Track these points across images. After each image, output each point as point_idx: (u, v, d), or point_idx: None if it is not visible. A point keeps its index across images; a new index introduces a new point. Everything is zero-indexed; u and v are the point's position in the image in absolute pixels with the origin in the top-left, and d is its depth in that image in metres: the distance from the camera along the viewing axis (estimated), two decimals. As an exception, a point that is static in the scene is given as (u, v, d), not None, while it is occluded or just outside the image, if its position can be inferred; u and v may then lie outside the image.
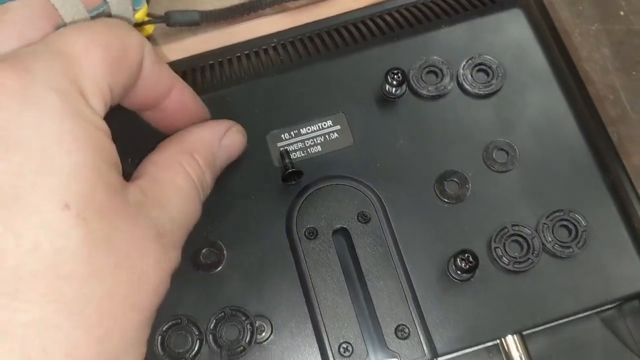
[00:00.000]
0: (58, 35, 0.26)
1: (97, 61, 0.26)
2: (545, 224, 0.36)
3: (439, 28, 0.41)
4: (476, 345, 0.35)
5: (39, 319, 0.22)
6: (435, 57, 0.39)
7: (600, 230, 0.36)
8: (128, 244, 0.25)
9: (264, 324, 0.35)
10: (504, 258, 0.35)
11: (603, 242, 0.36)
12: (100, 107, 0.26)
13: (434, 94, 0.39)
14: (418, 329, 0.34)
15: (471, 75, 0.39)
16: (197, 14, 0.44)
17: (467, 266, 0.34)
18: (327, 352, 0.34)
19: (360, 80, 0.40)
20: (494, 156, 0.37)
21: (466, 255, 0.34)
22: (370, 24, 0.42)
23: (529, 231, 0.36)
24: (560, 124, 0.39)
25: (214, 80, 0.41)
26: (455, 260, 0.34)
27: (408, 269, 0.36)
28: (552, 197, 0.37)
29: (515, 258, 0.35)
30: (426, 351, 0.34)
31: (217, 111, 0.37)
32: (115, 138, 0.27)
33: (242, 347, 0.34)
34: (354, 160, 0.38)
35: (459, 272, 0.34)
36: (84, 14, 0.30)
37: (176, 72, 0.33)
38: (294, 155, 0.38)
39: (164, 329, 0.34)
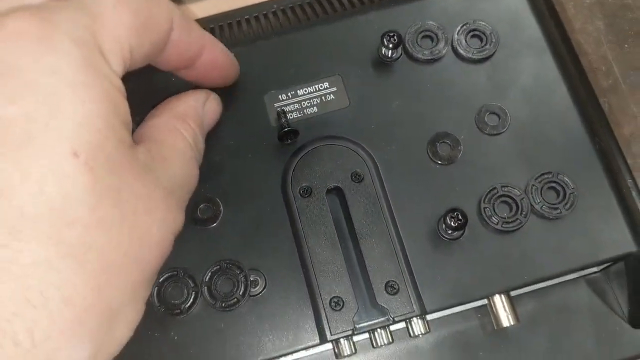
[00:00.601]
0: None
1: (123, 23, 0.26)
2: (534, 185, 0.37)
3: (435, -6, 0.42)
4: (464, 302, 0.36)
5: (39, 260, 0.22)
6: (431, 22, 0.40)
7: (588, 194, 0.37)
8: (135, 199, 0.25)
9: (258, 277, 0.36)
10: (493, 218, 0.36)
11: (590, 205, 0.37)
12: (118, 66, 0.26)
13: (429, 57, 0.40)
14: (407, 285, 0.35)
15: (465, 41, 0.40)
16: (199, -21, 0.45)
17: (456, 224, 0.35)
18: (318, 306, 0.35)
19: (357, 44, 0.40)
20: (485, 119, 0.38)
21: (455, 213, 0.35)
22: (368, -12, 0.43)
23: (518, 192, 0.36)
24: (552, 91, 0.39)
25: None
26: (445, 219, 0.35)
27: (399, 228, 0.36)
28: (542, 160, 0.38)
29: (504, 218, 0.36)
30: (415, 307, 0.35)
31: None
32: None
33: (235, 300, 0.35)
34: (349, 122, 0.39)
35: (449, 230, 0.35)
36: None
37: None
38: (291, 115, 0.39)
39: (160, 280, 0.35)
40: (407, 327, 0.36)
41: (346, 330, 0.34)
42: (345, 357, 0.35)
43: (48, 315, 0.22)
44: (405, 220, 0.37)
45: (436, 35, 0.40)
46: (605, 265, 0.38)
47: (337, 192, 0.38)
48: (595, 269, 0.39)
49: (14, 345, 0.21)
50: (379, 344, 0.35)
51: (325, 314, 0.35)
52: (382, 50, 0.39)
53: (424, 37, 0.40)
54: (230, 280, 0.35)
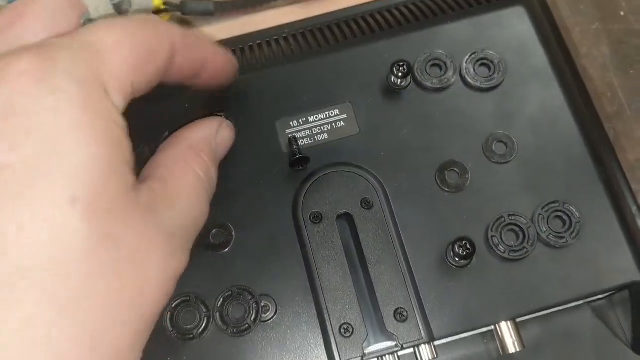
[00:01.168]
0: (88, 29, 0.26)
1: (124, 59, 0.26)
2: (540, 214, 0.37)
3: (444, 23, 0.42)
4: (471, 330, 0.37)
5: (33, 315, 0.21)
6: (440, 51, 0.41)
7: (593, 222, 0.38)
8: (135, 244, 0.24)
9: (269, 303, 0.36)
10: (500, 246, 0.37)
11: (596, 234, 0.38)
12: (120, 101, 0.26)
13: (438, 86, 0.40)
14: (416, 312, 0.36)
15: (474, 69, 0.40)
16: (212, 4, 0.45)
17: (465, 253, 0.35)
18: (328, 332, 0.36)
19: (367, 72, 0.41)
20: (493, 148, 0.39)
21: (464, 242, 0.36)
22: (378, 17, 0.44)
23: (525, 221, 0.37)
24: (558, 119, 0.40)
25: (225, 68, 0.42)
26: (453, 247, 0.36)
27: (408, 255, 0.37)
28: (548, 189, 0.38)
29: (511, 247, 0.37)
30: (423, 334, 0.36)
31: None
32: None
33: (247, 325, 0.36)
34: (358, 148, 0.39)
35: (456, 258, 0.36)
36: (107, 2, 0.31)
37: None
38: (302, 142, 0.39)
39: (173, 305, 0.36)
40: (415, 353, 0.36)
41: (356, 357, 0.35)
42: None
43: None
44: (414, 248, 0.37)
45: (445, 64, 0.41)
46: (610, 293, 0.39)
47: (347, 218, 0.38)
48: (600, 296, 0.40)
49: None
50: None
51: (335, 340, 0.35)
52: (391, 79, 0.40)
53: (432, 65, 0.41)
54: (241, 305, 0.36)
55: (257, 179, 0.39)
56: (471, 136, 0.39)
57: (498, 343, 0.38)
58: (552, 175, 0.39)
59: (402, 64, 0.39)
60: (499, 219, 0.37)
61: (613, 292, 0.39)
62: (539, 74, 0.41)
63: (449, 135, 0.40)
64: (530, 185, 0.38)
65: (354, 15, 0.44)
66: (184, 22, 0.47)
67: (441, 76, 0.40)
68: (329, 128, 0.40)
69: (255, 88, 0.40)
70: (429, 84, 0.40)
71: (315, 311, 0.36)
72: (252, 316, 0.36)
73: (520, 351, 0.37)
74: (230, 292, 0.36)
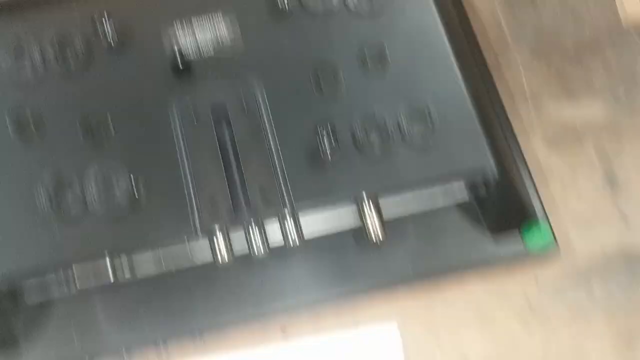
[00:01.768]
0: None
1: None
2: (404, 113, 0.40)
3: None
4: (331, 203, 0.39)
5: None
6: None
7: (453, 120, 0.41)
8: None
9: (141, 185, 0.38)
10: (365, 141, 0.39)
11: (455, 128, 0.41)
12: None
13: (322, 8, 0.44)
14: (280, 189, 0.39)
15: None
16: None
17: (332, 144, 0.38)
18: (194, 208, 0.38)
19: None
20: (366, 58, 0.42)
21: (330, 133, 0.38)
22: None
23: (390, 120, 0.40)
24: (431, 36, 0.43)
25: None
26: (321, 138, 0.38)
27: (279, 145, 0.40)
28: (414, 93, 0.41)
29: (376, 142, 0.40)
30: (286, 206, 0.38)
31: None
32: None
33: (121, 203, 0.38)
34: (241, 59, 0.42)
35: (324, 148, 0.38)
36: None
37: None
38: (187, 50, 0.42)
39: (51, 188, 0.37)
40: (283, 234, 0.38)
41: (220, 225, 0.38)
42: (222, 261, 0.38)
43: None
44: (285, 139, 0.40)
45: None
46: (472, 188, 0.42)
47: (224, 116, 0.41)
48: (466, 198, 0.43)
49: None
50: (256, 253, 0.38)
51: (200, 210, 0.38)
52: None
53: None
54: (115, 187, 0.38)
55: (142, 80, 0.41)
56: (347, 48, 0.43)
57: (365, 233, 0.40)
58: (419, 82, 0.42)
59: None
60: (366, 117, 0.40)
61: (468, 177, 0.42)
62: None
63: (327, 48, 0.43)
64: (398, 89, 0.41)
65: None
66: None
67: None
68: (215, 40, 0.42)
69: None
70: (312, 5, 0.44)
71: (185, 190, 0.39)
72: (125, 196, 0.38)
73: (386, 243, 0.40)
74: (103, 175, 0.38)
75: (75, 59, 0.42)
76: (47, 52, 0.42)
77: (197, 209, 0.38)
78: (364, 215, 0.39)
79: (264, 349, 0.42)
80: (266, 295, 0.41)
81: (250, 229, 0.38)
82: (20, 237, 0.38)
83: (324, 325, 0.42)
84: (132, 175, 0.38)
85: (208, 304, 0.41)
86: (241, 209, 0.38)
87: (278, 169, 0.39)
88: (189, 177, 0.38)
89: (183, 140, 0.40)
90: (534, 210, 0.42)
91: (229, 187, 0.38)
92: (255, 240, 0.38)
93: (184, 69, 0.40)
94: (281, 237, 0.38)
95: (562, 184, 0.45)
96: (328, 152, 0.39)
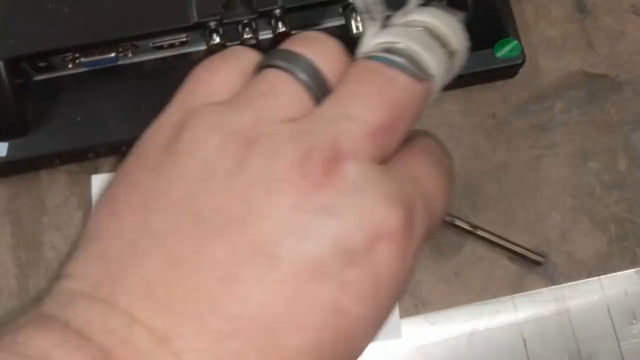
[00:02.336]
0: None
1: None
2: None
3: None
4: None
5: None
6: None
7: None
8: None
9: None
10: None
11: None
12: None
13: None
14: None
15: None
16: None
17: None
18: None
19: None
20: None
21: None
22: None
23: None
24: None
25: None
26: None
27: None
28: None
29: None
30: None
31: None
32: None
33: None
34: None
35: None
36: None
37: None
38: None
39: None
40: (272, 27, 0.42)
41: (215, 16, 0.41)
42: (213, 44, 0.42)
43: None
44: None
45: None
46: None
47: None
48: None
49: None
50: (245, 37, 0.42)
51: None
52: None
53: None
54: None
55: None
56: None
57: (348, 27, 0.43)
58: None
59: None
60: None
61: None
62: None
63: None
64: None
65: None
66: None
67: None
68: None
69: None
70: None
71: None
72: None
73: None
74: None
75: None
76: None
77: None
78: (347, 11, 0.43)
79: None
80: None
81: (243, 22, 0.41)
82: (28, 18, 0.41)
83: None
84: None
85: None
86: (235, 1, 0.41)
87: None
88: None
89: None
90: (508, 29, 0.45)
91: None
92: (246, 31, 0.42)
93: None
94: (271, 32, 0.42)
95: (535, 9, 0.48)
96: None
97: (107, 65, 0.44)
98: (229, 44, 0.44)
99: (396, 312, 0.43)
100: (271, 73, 0.23)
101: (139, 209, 0.22)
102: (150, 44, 0.44)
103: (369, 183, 0.21)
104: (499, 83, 0.47)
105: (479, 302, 0.43)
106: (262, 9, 0.41)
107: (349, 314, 0.20)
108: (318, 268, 0.20)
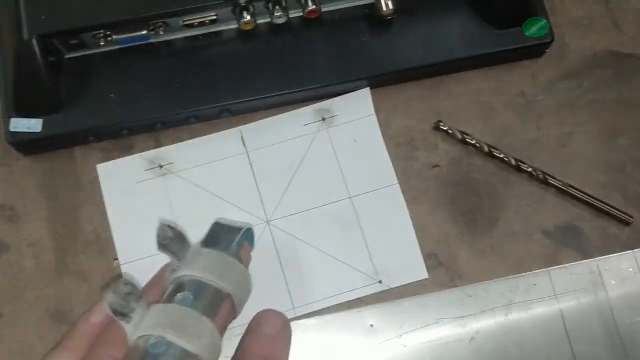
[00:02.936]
0: None
1: None
2: None
3: None
4: None
5: None
6: None
7: None
8: None
9: None
10: None
11: None
12: None
13: None
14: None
15: None
16: None
17: None
18: None
19: None
20: None
21: None
22: None
23: None
24: None
25: None
26: None
27: None
28: None
29: None
30: None
31: None
32: None
33: None
34: None
35: None
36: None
37: None
38: None
39: None
40: (302, 4, 0.43)
41: None
42: (244, 21, 0.42)
43: None
44: None
45: None
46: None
47: None
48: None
49: None
50: (275, 14, 0.43)
51: None
52: None
53: None
54: None
55: None
56: None
57: (376, 5, 0.44)
58: None
59: None
60: None
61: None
62: None
63: None
64: None
65: None
66: None
67: None
68: None
69: None
70: None
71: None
72: None
73: (394, 18, 0.44)
74: None
75: None
76: None
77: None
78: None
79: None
80: (281, 79, 0.45)
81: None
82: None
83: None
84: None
85: (232, 81, 0.44)
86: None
87: None
88: None
89: None
90: (537, 8, 0.46)
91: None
92: (276, 8, 0.43)
93: None
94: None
95: (562, -11, 0.49)
96: None
97: (139, 43, 0.44)
98: (259, 21, 0.44)
99: (418, 253, 0.43)
100: None
101: None
102: (181, 22, 0.44)
103: None
104: (526, 62, 0.48)
105: (515, 275, 0.43)
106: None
107: None
108: None
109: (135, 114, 0.44)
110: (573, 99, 0.47)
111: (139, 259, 0.43)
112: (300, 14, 0.44)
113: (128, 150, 0.45)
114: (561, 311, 0.42)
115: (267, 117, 0.46)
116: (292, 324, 0.39)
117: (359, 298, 0.42)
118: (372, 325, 0.42)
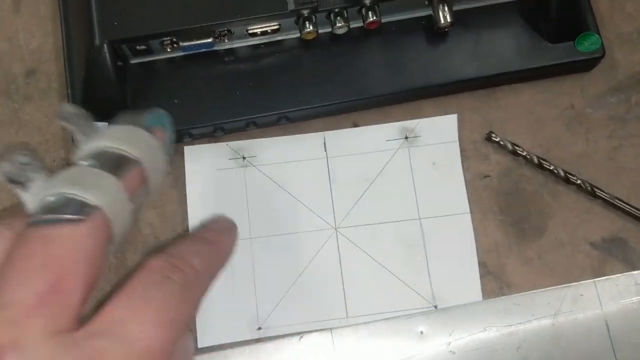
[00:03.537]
0: None
1: None
2: None
3: None
4: None
5: None
6: None
7: None
8: None
9: None
10: None
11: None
12: None
13: None
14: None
15: None
16: None
17: None
18: None
19: None
20: None
21: None
22: None
23: None
24: None
25: None
26: None
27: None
28: None
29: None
30: None
31: None
32: None
33: None
34: None
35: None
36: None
37: None
38: None
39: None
40: (363, 16, 0.44)
41: (311, 3, 0.43)
42: (307, 31, 0.44)
43: None
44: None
45: None
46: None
47: None
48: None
49: None
50: (337, 25, 0.44)
51: None
52: None
53: None
54: None
55: None
56: None
57: (435, 18, 0.45)
58: None
59: None
60: None
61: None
62: None
63: None
64: None
65: None
66: None
67: None
68: None
69: None
70: None
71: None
72: None
73: (450, 30, 0.45)
74: None
75: None
76: None
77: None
78: (435, 2, 0.45)
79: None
80: (339, 88, 0.46)
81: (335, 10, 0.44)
82: (131, 2, 0.43)
83: (392, 119, 0.48)
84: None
85: (292, 89, 0.46)
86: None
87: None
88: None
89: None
90: (589, 23, 0.47)
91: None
92: (337, 19, 0.44)
93: None
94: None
95: (610, 5, 0.50)
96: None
97: (204, 50, 0.45)
98: (321, 31, 0.45)
99: (477, 279, 0.44)
100: None
101: None
102: (245, 31, 0.45)
103: None
104: (576, 75, 0.49)
105: (562, 285, 0.44)
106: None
107: None
108: None
109: (198, 119, 0.45)
110: (621, 113, 0.48)
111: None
112: (361, 24, 0.45)
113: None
114: (606, 322, 0.44)
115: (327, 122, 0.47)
116: (342, 329, 0.42)
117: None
118: (422, 332, 0.44)
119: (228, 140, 0.47)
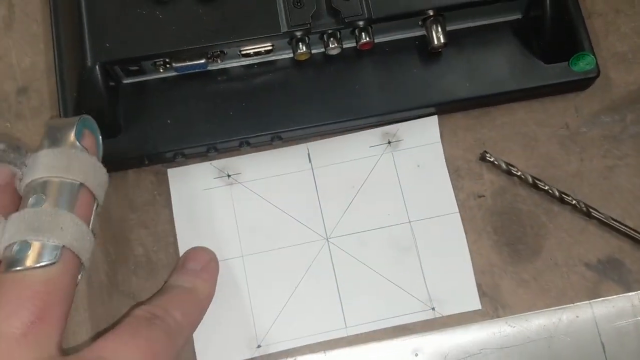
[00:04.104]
0: None
1: None
2: None
3: None
4: (406, 13, 0.44)
5: None
6: None
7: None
8: None
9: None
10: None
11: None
12: None
13: None
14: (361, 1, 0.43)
15: None
16: None
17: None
18: (281, 8, 0.43)
19: None
20: None
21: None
22: None
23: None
24: None
25: None
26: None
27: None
28: None
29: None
30: (364, 11, 0.43)
31: None
32: None
33: None
34: None
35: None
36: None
37: None
38: None
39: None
40: (356, 37, 0.44)
41: (304, 26, 0.42)
42: (300, 52, 0.44)
43: None
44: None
45: None
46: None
47: None
48: (519, 16, 0.47)
49: None
50: (330, 46, 0.44)
51: (287, 9, 0.43)
52: None
53: None
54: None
55: None
56: None
57: (428, 38, 0.45)
58: None
59: None
60: None
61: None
62: None
63: None
64: None
65: None
66: None
67: None
68: None
69: None
70: None
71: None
72: None
73: (444, 50, 0.45)
74: None
75: None
76: None
77: (284, 8, 0.43)
78: (428, 23, 0.45)
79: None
80: (333, 109, 0.46)
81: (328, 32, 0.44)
82: (123, 24, 0.42)
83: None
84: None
85: (285, 109, 0.46)
86: (323, 13, 0.43)
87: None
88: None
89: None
90: (583, 43, 0.47)
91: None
92: (331, 40, 0.44)
93: None
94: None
95: (604, 25, 0.50)
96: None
97: (197, 70, 0.45)
98: (314, 51, 0.45)
99: (473, 283, 0.44)
100: None
101: None
102: (238, 51, 0.45)
103: None
104: (570, 95, 0.48)
105: (558, 307, 0.44)
106: (349, 20, 0.42)
107: None
108: None
109: (191, 139, 0.45)
110: (616, 133, 0.48)
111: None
112: (354, 44, 0.45)
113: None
114: (602, 344, 0.43)
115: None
116: (338, 350, 0.41)
117: (404, 326, 0.43)
118: (416, 355, 0.43)
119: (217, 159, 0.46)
